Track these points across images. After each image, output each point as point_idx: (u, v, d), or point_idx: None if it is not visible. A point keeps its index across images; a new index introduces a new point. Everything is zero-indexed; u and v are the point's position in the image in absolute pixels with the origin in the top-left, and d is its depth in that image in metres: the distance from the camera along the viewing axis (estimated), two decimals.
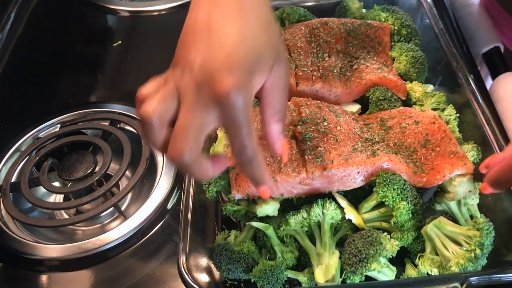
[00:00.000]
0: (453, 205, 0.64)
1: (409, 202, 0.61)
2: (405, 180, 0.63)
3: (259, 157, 0.48)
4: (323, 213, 0.63)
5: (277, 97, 0.50)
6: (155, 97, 0.48)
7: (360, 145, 0.66)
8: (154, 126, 0.47)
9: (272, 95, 0.49)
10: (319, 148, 0.64)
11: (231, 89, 0.44)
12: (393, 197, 0.61)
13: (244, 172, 0.50)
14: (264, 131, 0.51)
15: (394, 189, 0.61)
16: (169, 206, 0.81)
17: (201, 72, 0.45)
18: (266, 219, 0.67)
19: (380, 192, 0.62)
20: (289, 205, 0.68)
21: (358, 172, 0.63)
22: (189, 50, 0.47)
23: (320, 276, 0.60)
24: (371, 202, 0.65)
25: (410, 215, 0.61)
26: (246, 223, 0.67)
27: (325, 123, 0.67)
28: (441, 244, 0.60)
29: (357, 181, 0.64)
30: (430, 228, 0.61)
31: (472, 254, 0.57)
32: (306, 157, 0.63)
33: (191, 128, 0.46)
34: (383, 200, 0.62)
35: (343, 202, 0.64)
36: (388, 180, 0.62)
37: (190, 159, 0.47)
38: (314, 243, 0.64)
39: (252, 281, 0.61)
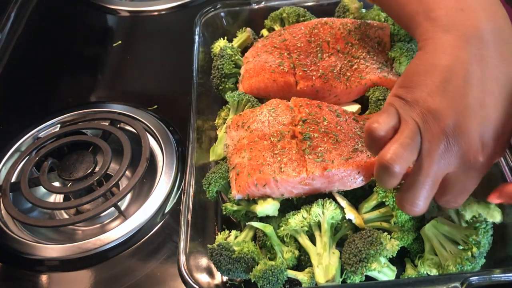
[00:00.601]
0: (451, 213, 0.64)
1: None
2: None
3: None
4: (323, 212, 0.63)
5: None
6: (398, 141, 0.47)
7: (360, 145, 0.65)
8: (396, 173, 0.47)
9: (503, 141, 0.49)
10: (320, 148, 0.64)
11: (482, 157, 0.46)
12: (393, 197, 0.61)
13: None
14: None
15: (394, 189, 0.61)
16: (169, 206, 0.81)
17: (453, 130, 0.45)
18: (266, 219, 0.67)
19: (381, 192, 0.62)
20: (289, 205, 0.68)
21: (359, 172, 0.63)
22: (434, 94, 0.46)
23: (320, 276, 0.60)
24: (371, 202, 0.65)
25: (410, 215, 0.61)
26: (246, 223, 0.67)
27: (325, 123, 0.67)
28: (439, 244, 0.60)
29: (358, 181, 0.64)
30: (428, 228, 0.61)
31: (469, 253, 0.57)
32: (307, 157, 0.63)
33: (432, 183, 0.47)
34: (384, 200, 0.62)
35: (343, 202, 0.64)
36: None
37: (423, 209, 0.49)
38: (314, 243, 0.64)
39: (252, 281, 0.61)
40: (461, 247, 0.58)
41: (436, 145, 0.46)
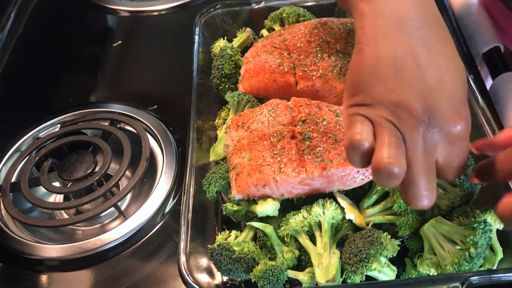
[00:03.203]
0: None
1: None
2: None
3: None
4: (323, 213, 0.63)
5: None
6: (385, 144, 0.46)
7: None
8: (397, 174, 0.46)
9: None
10: (319, 148, 0.64)
11: (463, 122, 0.47)
12: None
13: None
14: None
15: None
16: (169, 206, 0.81)
17: (426, 114, 0.46)
18: (266, 219, 0.67)
19: None
20: (289, 205, 0.68)
21: (358, 171, 0.63)
22: (393, 88, 0.46)
23: (320, 276, 0.60)
24: (372, 196, 0.65)
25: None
26: (246, 223, 0.67)
27: (325, 123, 0.67)
28: (438, 244, 0.60)
29: (357, 180, 0.64)
30: (427, 228, 0.61)
31: (467, 253, 0.57)
32: (306, 157, 0.63)
33: (428, 170, 0.47)
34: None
35: (343, 202, 0.64)
36: None
37: (432, 198, 0.48)
38: (314, 243, 0.63)
39: (252, 281, 0.61)
40: (458, 247, 0.58)
41: (417, 134, 0.46)
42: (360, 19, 0.51)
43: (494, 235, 0.61)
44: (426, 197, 0.47)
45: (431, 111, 0.46)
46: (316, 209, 0.63)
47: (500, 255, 0.61)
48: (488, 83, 0.88)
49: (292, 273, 0.63)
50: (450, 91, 0.47)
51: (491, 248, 0.61)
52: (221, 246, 0.62)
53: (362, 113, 0.48)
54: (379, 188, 0.65)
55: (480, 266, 0.60)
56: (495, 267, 0.60)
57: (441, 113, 0.46)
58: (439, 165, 0.49)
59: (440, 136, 0.47)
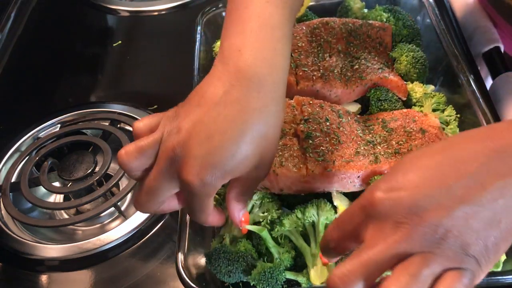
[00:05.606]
0: None
1: None
2: None
3: (208, 220, 0.53)
4: (317, 213, 0.63)
5: (245, 188, 0.52)
6: (135, 142, 0.49)
7: (362, 148, 0.65)
8: (130, 169, 0.50)
9: (241, 185, 0.52)
10: (321, 148, 0.64)
11: (196, 182, 0.46)
12: None
13: None
14: (227, 205, 0.54)
15: None
16: None
17: (181, 148, 0.47)
18: (258, 223, 0.66)
19: None
20: (284, 205, 0.68)
21: (358, 177, 0.63)
22: (187, 114, 0.49)
23: (315, 278, 0.59)
24: None
25: None
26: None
27: (328, 123, 0.67)
28: None
29: (357, 185, 0.64)
30: None
31: None
32: (308, 155, 0.63)
33: (156, 191, 0.49)
34: None
35: (337, 201, 0.64)
36: None
37: (154, 210, 0.52)
38: (309, 244, 0.63)
39: (251, 284, 0.61)
40: None
41: (164, 157, 0.47)
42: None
43: None
44: (146, 208, 0.51)
45: (185, 147, 0.46)
46: (311, 210, 0.62)
47: (503, 256, 0.60)
48: (488, 83, 0.88)
49: (291, 274, 0.63)
50: (207, 148, 0.46)
51: None
52: (217, 250, 0.62)
53: (165, 114, 0.52)
54: None
55: None
56: (500, 268, 0.60)
57: (187, 158, 0.46)
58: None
59: (177, 173, 0.47)
